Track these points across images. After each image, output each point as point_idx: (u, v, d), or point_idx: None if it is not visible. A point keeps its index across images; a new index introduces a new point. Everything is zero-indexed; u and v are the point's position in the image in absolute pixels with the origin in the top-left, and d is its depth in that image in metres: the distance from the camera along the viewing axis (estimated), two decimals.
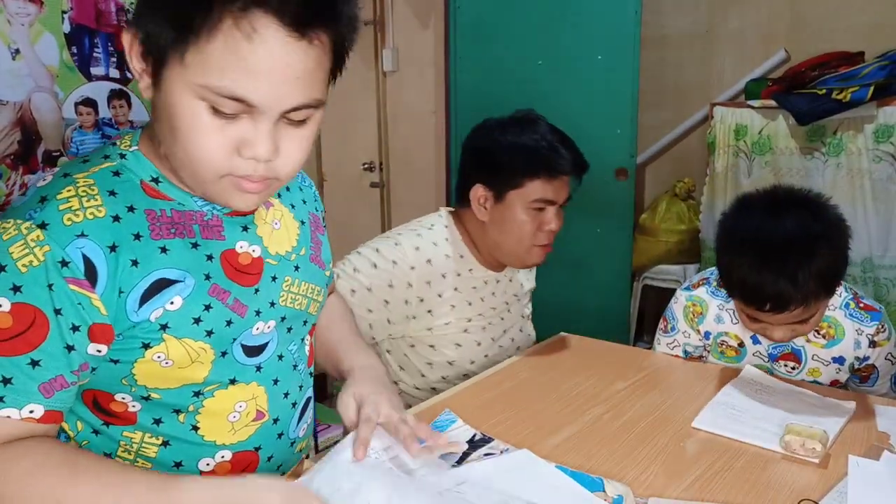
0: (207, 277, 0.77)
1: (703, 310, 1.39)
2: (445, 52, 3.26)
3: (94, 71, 2.22)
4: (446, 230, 1.38)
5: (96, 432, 0.78)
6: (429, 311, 1.31)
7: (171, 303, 0.73)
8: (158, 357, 0.74)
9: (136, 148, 0.77)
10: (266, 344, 0.84)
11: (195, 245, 0.76)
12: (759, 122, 2.57)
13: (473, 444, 0.93)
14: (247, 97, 0.64)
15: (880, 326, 1.27)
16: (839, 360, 1.31)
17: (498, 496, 0.79)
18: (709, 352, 1.42)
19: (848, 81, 2.34)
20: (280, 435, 0.87)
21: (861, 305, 1.29)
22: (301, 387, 0.91)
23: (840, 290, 1.29)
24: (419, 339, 1.33)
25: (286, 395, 0.88)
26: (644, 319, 3.04)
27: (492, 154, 1.32)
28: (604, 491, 0.81)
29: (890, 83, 2.28)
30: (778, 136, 2.53)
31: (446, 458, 0.88)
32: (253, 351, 0.83)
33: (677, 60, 3.11)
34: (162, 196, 0.76)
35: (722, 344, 1.39)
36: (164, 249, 0.74)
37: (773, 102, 2.52)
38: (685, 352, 1.44)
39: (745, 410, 1.06)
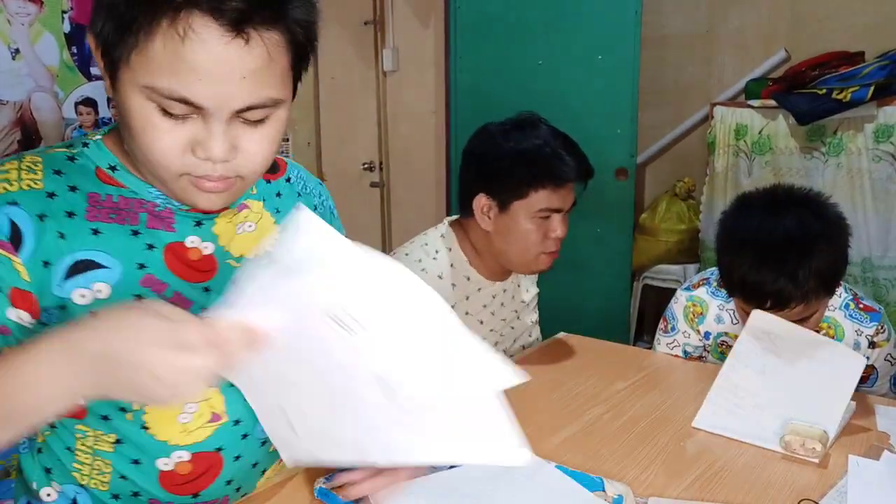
0: (141, 267, 0.74)
1: (703, 310, 1.39)
2: (445, 52, 3.26)
3: (94, 71, 2.22)
4: (449, 253, 1.33)
5: (52, 426, 0.77)
6: None
7: (99, 290, 0.72)
8: None
9: (100, 138, 0.77)
10: None
11: (136, 233, 0.75)
12: (759, 122, 2.57)
13: None
14: (191, 98, 0.63)
15: (880, 327, 1.28)
16: None
17: (496, 496, 0.79)
18: (708, 352, 1.42)
19: (848, 81, 2.34)
20: (245, 436, 0.82)
21: (861, 306, 1.29)
22: None
23: (840, 290, 1.29)
24: None
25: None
26: (644, 319, 3.04)
27: (494, 163, 1.28)
28: (604, 491, 0.81)
29: (890, 83, 2.28)
30: (778, 136, 2.54)
31: None
32: None
33: (677, 60, 3.11)
34: (114, 182, 0.75)
35: (722, 344, 1.39)
36: (96, 231, 0.72)
37: (773, 102, 2.52)
38: (685, 352, 1.44)
39: (745, 396, 1.03)
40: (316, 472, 0.85)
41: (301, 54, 0.71)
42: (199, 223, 0.79)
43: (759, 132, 2.56)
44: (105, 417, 0.76)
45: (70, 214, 0.71)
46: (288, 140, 2.86)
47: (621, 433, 1.00)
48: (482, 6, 3.04)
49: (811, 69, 2.49)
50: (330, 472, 0.84)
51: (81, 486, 0.79)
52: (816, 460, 0.91)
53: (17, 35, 2.06)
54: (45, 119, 2.16)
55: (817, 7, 2.74)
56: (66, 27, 2.17)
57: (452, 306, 1.24)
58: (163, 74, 0.63)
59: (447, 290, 1.30)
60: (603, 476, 0.84)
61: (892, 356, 1.30)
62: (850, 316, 1.29)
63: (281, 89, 0.69)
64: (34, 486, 0.80)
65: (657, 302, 2.87)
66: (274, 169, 0.90)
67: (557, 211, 1.28)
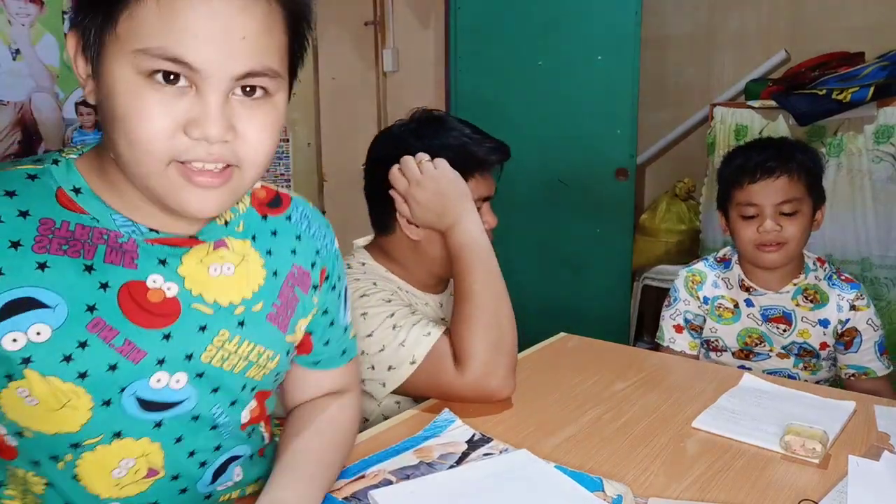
0: (91, 309, 0.65)
1: (701, 278, 1.56)
2: (445, 52, 3.27)
3: None
4: (363, 266, 1.23)
5: None
6: None
7: (38, 333, 0.63)
8: (21, 392, 0.64)
9: (74, 157, 0.69)
10: (179, 402, 0.72)
11: (89, 268, 0.66)
12: (759, 123, 2.58)
13: (472, 444, 0.93)
14: (185, 57, 0.58)
15: (859, 294, 1.45)
16: (824, 323, 1.45)
17: (496, 496, 0.79)
18: (706, 318, 1.55)
19: (848, 82, 2.34)
20: (183, 490, 0.76)
21: (843, 278, 1.48)
22: (219, 447, 0.78)
23: (825, 265, 1.49)
24: None
25: (192, 454, 0.75)
26: (644, 319, 3.05)
27: None
28: (603, 491, 0.81)
29: (890, 83, 2.28)
30: (792, 138, 2.54)
31: (445, 459, 0.88)
32: (154, 406, 0.70)
33: (677, 61, 3.11)
34: (75, 208, 0.67)
35: (719, 307, 1.52)
36: (42, 265, 0.63)
37: (773, 103, 2.52)
38: (685, 319, 1.56)
39: (745, 413, 1.06)
40: None
41: (298, 36, 0.68)
42: (163, 261, 0.70)
43: (759, 133, 2.56)
44: (36, 463, 0.69)
45: (14, 245, 0.63)
46: (288, 140, 2.86)
47: (621, 433, 1.00)
48: (482, 6, 3.05)
49: (811, 70, 2.49)
50: None
51: None
52: (816, 461, 0.91)
53: (18, 36, 2.06)
54: (45, 119, 2.16)
55: (817, 7, 2.74)
56: (67, 27, 2.17)
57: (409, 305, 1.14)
58: (157, 34, 0.58)
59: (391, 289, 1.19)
60: (602, 476, 0.84)
61: (873, 321, 1.44)
62: (833, 284, 1.46)
63: (280, 65, 0.65)
64: None
65: (657, 302, 2.87)
66: (276, 203, 0.83)
67: (487, 199, 1.24)
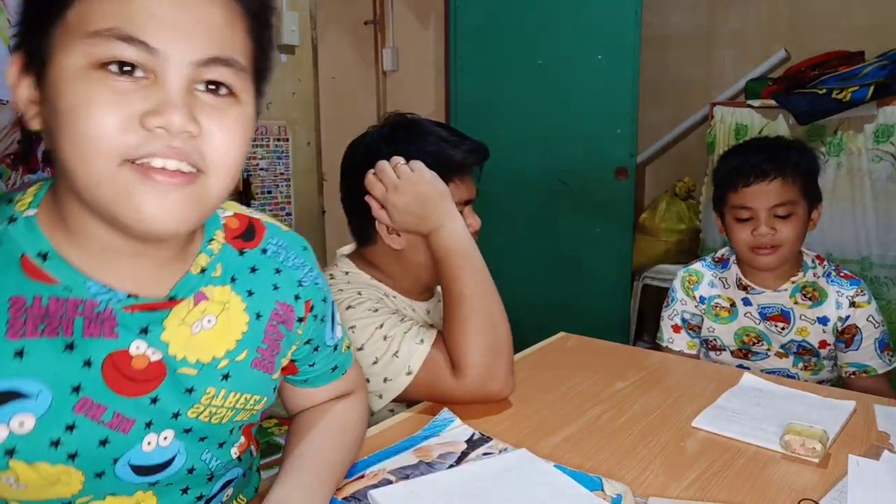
0: (76, 390, 0.61)
1: (698, 278, 1.56)
2: (445, 52, 3.27)
3: None
4: (346, 276, 1.19)
5: None
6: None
7: (21, 423, 0.58)
8: (7, 480, 0.60)
9: (33, 213, 0.62)
10: (170, 461, 0.69)
11: (70, 346, 0.60)
12: (759, 122, 2.58)
13: (472, 444, 0.93)
14: (142, 36, 0.53)
15: (860, 290, 1.44)
16: (824, 321, 1.44)
17: (496, 496, 0.79)
18: (703, 317, 1.55)
19: (848, 81, 2.34)
20: None
21: (842, 274, 1.47)
22: (211, 478, 0.76)
23: (824, 263, 1.48)
24: None
25: (185, 490, 0.73)
26: (644, 319, 3.05)
27: None
28: (602, 490, 0.81)
29: (890, 83, 2.28)
30: (788, 137, 2.54)
31: (444, 458, 0.88)
32: (149, 470, 0.68)
33: (677, 60, 3.11)
34: (44, 277, 0.60)
35: (716, 306, 1.53)
36: (19, 353, 0.58)
37: (773, 102, 2.52)
38: (683, 319, 1.56)
39: (745, 412, 1.06)
40: None
41: (261, 50, 0.63)
42: (145, 330, 0.64)
43: (759, 132, 2.56)
44: None
45: None
46: (288, 140, 2.86)
47: (621, 433, 1.00)
48: (482, 6, 3.05)
49: (811, 69, 2.49)
50: None
51: None
52: (816, 460, 0.91)
53: None
54: None
55: (817, 7, 2.74)
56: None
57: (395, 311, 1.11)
58: (109, 16, 0.53)
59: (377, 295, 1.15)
60: (602, 476, 0.84)
61: (874, 318, 1.43)
62: (833, 281, 1.45)
63: (244, 57, 0.60)
64: None
65: (657, 302, 2.87)
66: (250, 234, 0.76)
67: (468, 203, 1.21)
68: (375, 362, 1.06)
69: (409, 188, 1.10)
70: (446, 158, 1.15)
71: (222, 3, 0.58)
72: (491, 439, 0.94)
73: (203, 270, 0.70)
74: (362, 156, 1.17)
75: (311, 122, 2.94)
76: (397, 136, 1.17)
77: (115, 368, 0.63)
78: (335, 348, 0.88)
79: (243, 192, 2.69)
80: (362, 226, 1.19)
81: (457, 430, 0.97)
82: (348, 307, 1.09)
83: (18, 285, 0.59)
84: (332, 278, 1.18)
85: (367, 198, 1.14)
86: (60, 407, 0.60)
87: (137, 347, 0.64)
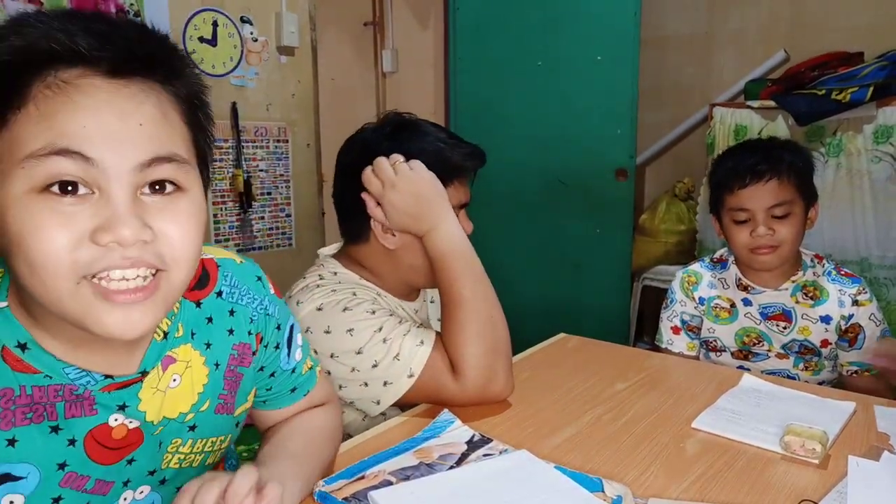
0: (62, 467, 0.64)
1: (697, 279, 1.56)
2: (445, 53, 3.27)
3: None
4: (334, 276, 1.16)
5: None
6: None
7: (11, 502, 0.62)
8: None
9: (4, 304, 0.62)
10: None
11: (55, 429, 0.63)
12: (758, 123, 2.58)
13: (472, 445, 0.93)
14: (77, 147, 0.52)
15: (861, 288, 1.44)
16: (826, 320, 1.44)
17: (496, 497, 0.79)
18: (703, 318, 1.55)
19: (847, 82, 2.34)
20: None
21: (843, 273, 1.47)
22: None
23: (823, 262, 1.49)
24: None
25: None
26: (644, 320, 3.05)
27: None
28: (603, 491, 0.81)
29: (889, 84, 2.29)
30: (781, 137, 2.55)
31: (445, 459, 0.88)
32: None
33: (677, 61, 3.12)
34: (27, 368, 0.61)
35: (716, 307, 1.53)
36: (11, 442, 0.60)
37: (772, 103, 2.52)
38: (682, 321, 1.56)
39: (745, 413, 1.06)
40: None
41: (199, 128, 0.63)
42: (122, 406, 0.67)
43: (759, 133, 2.56)
44: None
45: None
46: (288, 141, 2.86)
47: (621, 434, 1.00)
48: (482, 7, 3.05)
49: (810, 70, 2.50)
50: (330, 475, 0.84)
51: None
52: (816, 461, 0.91)
53: None
54: None
55: (817, 8, 2.74)
56: None
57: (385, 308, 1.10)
58: (40, 136, 0.52)
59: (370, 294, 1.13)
60: (602, 477, 0.84)
61: (876, 316, 1.44)
62: (834, 280, 1.46)
63: (185, 152, 0.59)
64: None
65: (657, 302, 2.87)
66: (204, 281, 0.75)
67: (464, 206, 1.20)
68: (375, 365, 1.04)
69: (406, 187, 1.08)
70: (446, 160, 1.13)
71: (152, 99, 0.57)
72: (491, 441, 0.94)
73: (165, 335, 0.71)
74: (359, 152, 1.15)
75: (311, 124, 2.94)
76: (397, 134, 1.15)
77: (96, 442, 0.66)
78: (293, 371, 0.88)
79: (244, 194, 2.69)
80: (354, 223, 1.17)
81: (457, 432, 0.97)
82: (345, 309, 1.06)
83: (4, 377, 0.61)
84: (321, 279, 1.14)
85: (363, 194, 1.12)
86: (48, 484, 0.64)
87: (116, 419, 0.67)
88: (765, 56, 2.84)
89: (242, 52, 2.66)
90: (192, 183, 0.60)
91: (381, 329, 1.05)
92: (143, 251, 0.56)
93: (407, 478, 0.83)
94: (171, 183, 0.58)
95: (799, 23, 2.79)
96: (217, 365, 0.76)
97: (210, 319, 0.75)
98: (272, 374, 0.85)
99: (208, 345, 0.75)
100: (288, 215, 2.89)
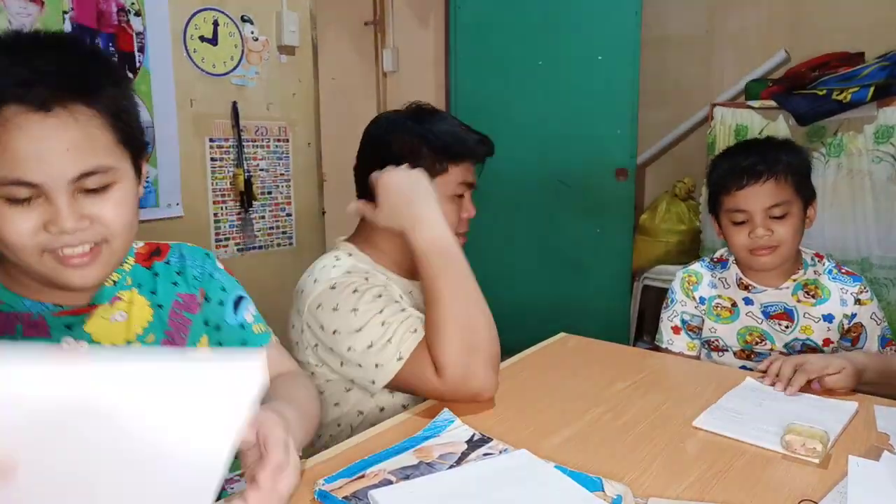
0: None
1: (697, 279, 1.56)
2: (445, 52, 3.27)
3: None
4: (350, 258, 1.22)
5: None
6: None
7: None
8: None
9: None
10: None
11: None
12: (759, 123, 2.58)
13: (472, 444, 0.93)
14: (24, 178, 0.70)
15: (862, 287, 1.45)
16: (828, 318, 1.44)
17: (496, 496, 0.79)
18: (704, 318, 1.54)
19: (848, 82, 2.34)
20: None
21: (843, 271, 1.48)
22: None
23: (824, 260, 1.49)
24: None
25: None
26: (644, 319, 3.05)
27: (407, 145, 1.20)
28: (603, 491, 0.81)
29: (890, 84, 2.29)
30: (778, 137, 2.55)
31: (445, 459, 0.88)
32: None
33: (677, 61, 3.12)
34: None
35: (717, 307, 1.53)
36: None
37: (773, 103, 2.52)
38: (683, 321, 1.56)
39: (746, 413, 1.06)
40: (316, 474, 0.85)
41: (126, 126, 0.76)
42: (69, 326, 0.81)
43: (759, 133, 2.56)
44: None
45: None
46: (288, 140, 2.87)
47: (621, 433, 1.00)
48: (482, 6, 3.05)
49: (811, 70, 2.50)
50: (330, 474, 0.84)
51: None
52: (817, 461, 0.91)
53: None
54: None
55: (817, 8, 2.74)
56: (67, 28, 2.17)
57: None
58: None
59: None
60: (602, 476, 0.84)
61: (876, 315, 1.44)
62: (835, 279, 1.46)
63: (112, 159, 0.75)
64: None
65: (657, 302, 2.87)
66: (156, 253, 0.94)
67: (472, 187, 1.26)
68: (370, 346, 1.08)
69: (382, 194, 1.15)
70: (458, 140, 1.22)
71: (79, 122, 0.72)
72: (491, 440, 0.94)
73: (115, 283, 0.87)
74: (383, 126, 1.25)
75: (312, 123, 2.94)
76: (419, 115, 1.25)
77: None
78: (242, 327, 0.97)
79: (245, 193, 2.69)
80: (364, 197, 1.24)
81: (457, 431, 0.97)
82: (355, 290, 1.12)
83: None
84: (337, 259, 1.21)
85: (359, 207, 1.21)
86: None
87: (67, 342, 0.81)
88: (765, 56, 2.84)
89: (243, 51, 2.66)
90: (120, 177, 0.76)
91: (382, 311, 1.10)
92: (84, 234, 0.74)
93: (407, 477, 0.83)
94: (101, 184, 0.74)
95: (799, 23, 2.79)
96: (160, 306, 0.90)
97: (156, 275, 0.92)
98: (218, 328, 0.96)
99: (153, 292, 0.91)
100: (288, 215, 2.89)
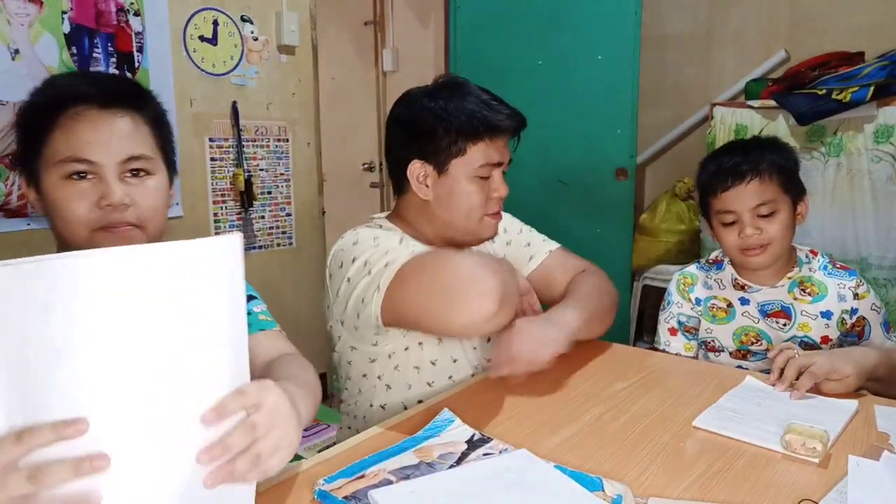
0: None
1: (692, 281, 1.57)
2: (445, 53, 3.27)
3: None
4: (383, 230, 1.24)
5: None
6: None
7: None
8: None
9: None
10: None
11: None
12: (759, 123, 2.58)
13: (472, 444, 0.93)
14: (86, 156, 0.89)
15: (859, 281, 1.44)
16: (826, 315, 1.44)
17: (496, 496, 0.79)
18: (700, 319, 1.55)
19: (848, 81, 2.34)
20: None
21: (838, 266, 1.47)
22: None
23: (818, 256, 1.49)
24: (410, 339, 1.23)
25: None
26: (644, 319, 3.05)
27: (426, 124, 1.20)
28: (603, 491, 0.81)
29: (890, 83, 2.29)
30: (778, 137, 2.55)
31: (445, 458, 0.88)
32: None
33: (677, 60, 3.12)
34: None
35: (713, 307, 1.53)
36: None
37: (773, 102, 2.52)
38: (679, 322, 1.57)
39: (746, 412, 1.06)
40: (316, 474, 0.85)
41: (162, 138, 0.97)
42: None
43: (759, 132, 2.56)
44: None
45: None
46: (288, 140, 2.86)
47: (621, 433, 1.00)
48: (482, 6, 3.05)
49: (811, 69, 2.50)
50: (330, 474, 0.84)
51: None
52: (817, 460, 0.91)
53: (17, 35, 2.06)
54: None
55: (817, 7, 2.74)
56: (66, 28, 2.17)
57: None
58: (64, 149, 0.89)
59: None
60: (602, 476, 0.84)
61: (875, 304, 1.44)
62: (830, 274, 1.46)
63: (152, 152, 0.95)
64: None
65: (657, 302, 2.87)
66: None
67: (497, 165, 1.23)
68: (354, 289, 1.11)
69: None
70: (481, 118, 1.19)
71: (128, 119, 0.93)
72: (491, 440, 0.94)
73: None
74: (406, 105, 1.25)
75: (311, 123, 2.94)
76: (437, 91, 1.23)
77: None
78: (248, 313, 0.98)
79: (245, 193, 2.69)
80: (395, 174, 1.26)
81: (457, 431, 0.97)
82: (355, 242, 1.17)
83: None
84: (367, 227, 1.25)
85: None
86: None
87: None
88: (765, 56, 2.84)
89: (243, 51, 2.66)
90: (157, 169, 0.96)
91: (387, 253, 1.10)
92: (126, 213, 0.91)
93: (407, 477, 0.83)
94: (143, 170, 0.94)
95: (799, 22, 2.79)
96: None
97: None
98: None
99: None
100: (288, 214, 2.89)
